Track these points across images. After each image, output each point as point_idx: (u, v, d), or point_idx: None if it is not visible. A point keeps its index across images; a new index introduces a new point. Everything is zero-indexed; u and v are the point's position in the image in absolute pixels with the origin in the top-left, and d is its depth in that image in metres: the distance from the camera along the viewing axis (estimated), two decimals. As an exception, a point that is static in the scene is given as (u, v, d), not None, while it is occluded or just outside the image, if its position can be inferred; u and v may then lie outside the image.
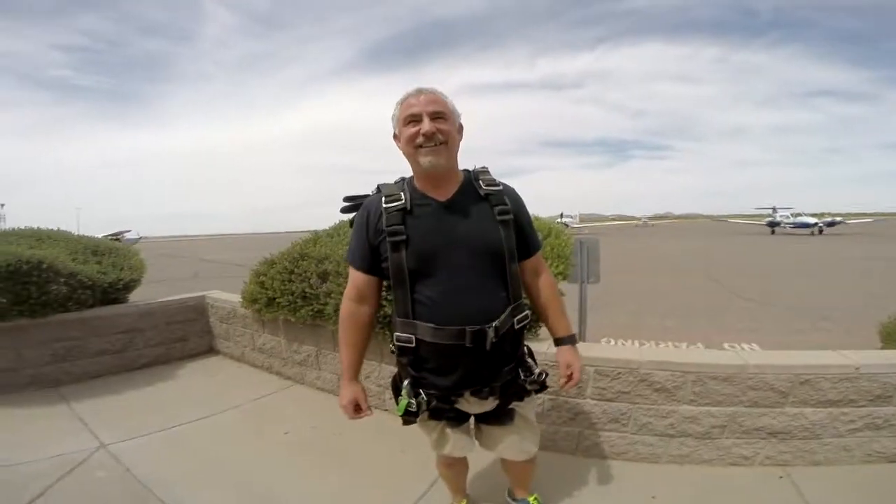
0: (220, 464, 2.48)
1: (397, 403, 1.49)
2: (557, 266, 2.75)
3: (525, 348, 1.62)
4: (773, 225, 40.53)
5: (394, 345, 1.50)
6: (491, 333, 1.38)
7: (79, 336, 3.70)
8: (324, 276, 3.11)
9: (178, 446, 2.67)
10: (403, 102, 1.43)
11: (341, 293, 1.62)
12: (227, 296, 4.36)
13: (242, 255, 22.95)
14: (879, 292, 8.60)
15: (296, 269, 3.29)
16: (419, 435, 1.71)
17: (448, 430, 1.63)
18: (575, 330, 1.89)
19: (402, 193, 1.44)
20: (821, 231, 35.15)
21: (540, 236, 1.74)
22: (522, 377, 1.52)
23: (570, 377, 1.60)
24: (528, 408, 1.66)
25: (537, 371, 1.56)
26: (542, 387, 1.57)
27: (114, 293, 4.04)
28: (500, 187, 1.50)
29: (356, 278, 1.53)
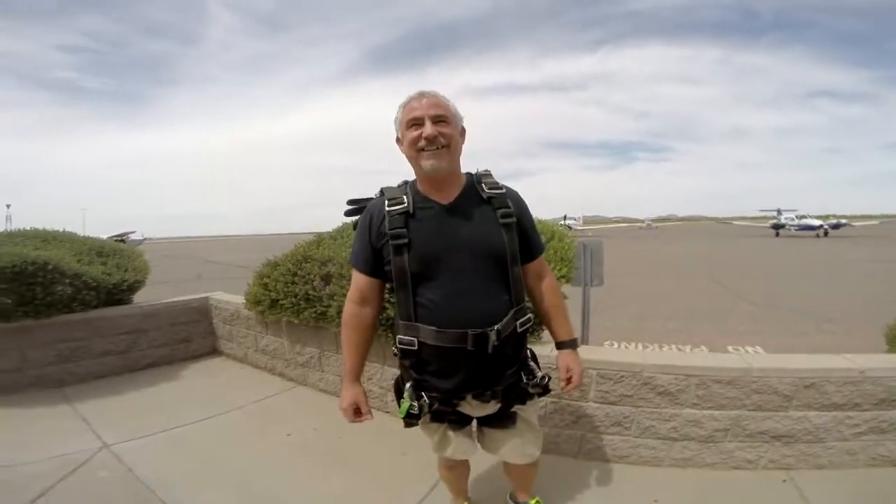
0: (221, 465, 2.48)
1: (399, 406, 1.49)
2: (561, 269, 2.75)
3: (528, 352, 1.62)
4: (777, 227, 40.32)
5: (396, 347, 1.50)
6: (493, 337, 1.38)
7: (83, 337, 3.72)
8: (327, 279, 3.11)
9: (180, 447, 2.68)
10: (406, 106, 1.44)
11: (344, 295, 1.63)
12: (230, 297, 4.37)
13: (246, 256, 23.04)
14: (885, 295, 8.53)
15: (299, 272, 3.30)
16: (421, 437, 1.71)
17: (450, 433, 1.63)
18: (578, 333, 1.89)
19: (404, 196, 1.44)
20: (826, 233, 34.90)
21: (543, 239, 1.74)
22: (525, 380, 1.52)
23: (569, 380, 1.60)
24: (531, 411, 1.65)
25: (540, 374, 1.55)
26: (545, 390, 1.57)
27: (118, 294, 4.06)
28: (503, 190, 1.51)
29: (359, 281, 1.54)
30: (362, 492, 2.24)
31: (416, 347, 1.43)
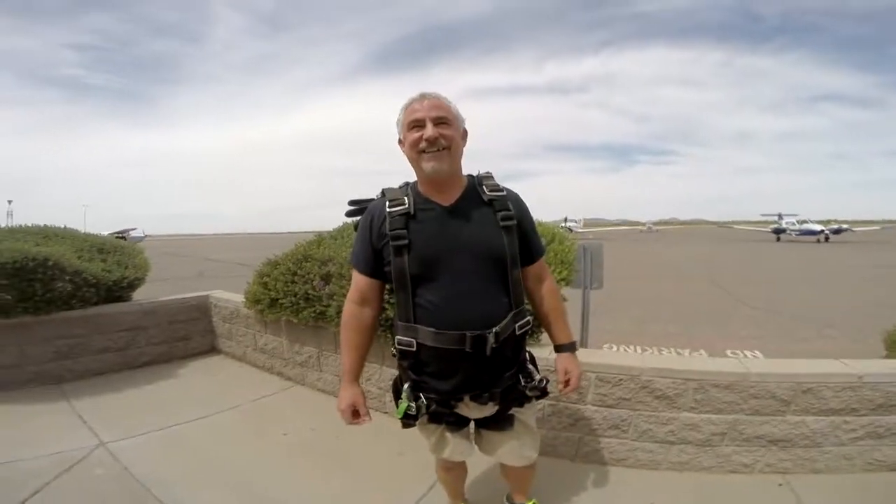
0: (218, 464, 2.48)
1: (397, 406, 1.49)
2: (561, 272, 2.75)
3: (527, 354, 1.62)
4: (778, 232, 40.25)
5: (395, 348, 1.50)
6: (491, 339, 1.39)
7: (82, 333, 3.72)
8: (327, 279, 3.12)
9: (176, 445, 2.68)
10: (407, 108, 1.44)
11: (344, 295, 1.63)
12: (229, 295, 4.37)
13: (246, 254, 23.05)
14: (885, 301, 8.53)
15: (299, 271, 3.30)
16: (419, 438, 1.71)
17: (447, 434, 1.63)
18: (577, 336, 1.88)
19: (405, 198, 1.45)
20: (827, 238, 34.84)
21: (543, 242, 1.74)
22: (523, 383, 1.52)
23: (567, 383, 1.60)
24: (529, 413, 1.65)
25: (538, 377, 1.55)
26: (543, 393, 1.57)
27: (118, 291, 4.07)
28: (504, 192, 1.51)
29: (359, 281, 1.54)
30: (360, 492, 2.24)
31: (414, 348, 1.43)
